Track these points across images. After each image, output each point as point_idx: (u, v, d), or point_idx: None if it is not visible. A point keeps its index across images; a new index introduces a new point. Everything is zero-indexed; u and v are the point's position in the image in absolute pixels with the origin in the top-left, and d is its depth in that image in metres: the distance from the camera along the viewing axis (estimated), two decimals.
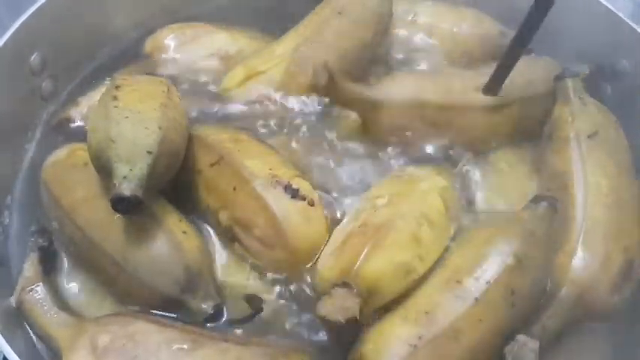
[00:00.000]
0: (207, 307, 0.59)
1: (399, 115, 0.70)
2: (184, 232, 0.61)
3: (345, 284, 0.55)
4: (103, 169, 0.59)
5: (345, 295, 0.55)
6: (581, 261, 0.62)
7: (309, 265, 0.62)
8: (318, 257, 0.62)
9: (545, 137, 0.72)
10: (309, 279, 0.62)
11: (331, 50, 0.75)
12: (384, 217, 0.60)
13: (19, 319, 0.61)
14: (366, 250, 0.57)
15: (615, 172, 0.67)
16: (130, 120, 0.60)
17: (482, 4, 0.82)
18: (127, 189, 0.56)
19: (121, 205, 0.57)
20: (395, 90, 0.71)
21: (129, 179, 0.57)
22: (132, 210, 0.57)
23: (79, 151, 0.67)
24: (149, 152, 0.58)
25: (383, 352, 0.54)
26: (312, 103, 0.74)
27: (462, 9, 0.82)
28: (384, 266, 0.57)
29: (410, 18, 0.82)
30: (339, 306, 0.54)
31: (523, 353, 0.56)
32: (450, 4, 0.83)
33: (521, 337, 0.57)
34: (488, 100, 0.71)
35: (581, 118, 0.70)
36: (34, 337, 0.60)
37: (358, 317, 0.54)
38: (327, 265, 0.59)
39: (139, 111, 0.61)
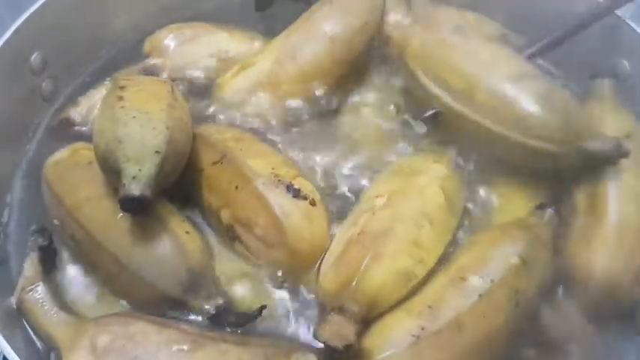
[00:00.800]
0: (209, 307, 0.59)
1: None
2: (187, 233, 0.61)
3: (341, 310, 0.55)
4: (111, 170, 0.59)
5: (341, 323, 0.55)
6: (608, 256, 0.62)
7: (311, 268, 0.62)
8: (320, 262, 0.61)
9: None
10: (309, 280, 0.62)
11: (319, 35, 0.74)
12: (383, 223, 0.60)
13: (19, 319, 0.60)
14: (365, 263, 0.57)
15: None
16: (137, 120, 0.60)
17: (483, 8, 0.82)
18: (136, 189, 0.56)
19: (129, 205, 0.57)
20: None
21: (137, 179, 0.57)
22: (140, 210, 0.57)
23: (83, 150, 0.67)
24: (157, 152, 0.58)
25: (385, 342, 0.55)
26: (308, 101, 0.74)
27: (463, 12, 0.82)
28: (383, 278, 0.57)
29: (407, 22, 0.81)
30: (335, 333, 0.54)
31: None
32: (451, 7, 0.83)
33: None
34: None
35: (614, 117, 0.70)
36: (34, 337, 0.60)
37: (354, 344, 0.54)
38: (328, 277, 0.59)
39: (146, 111, 0.61)
